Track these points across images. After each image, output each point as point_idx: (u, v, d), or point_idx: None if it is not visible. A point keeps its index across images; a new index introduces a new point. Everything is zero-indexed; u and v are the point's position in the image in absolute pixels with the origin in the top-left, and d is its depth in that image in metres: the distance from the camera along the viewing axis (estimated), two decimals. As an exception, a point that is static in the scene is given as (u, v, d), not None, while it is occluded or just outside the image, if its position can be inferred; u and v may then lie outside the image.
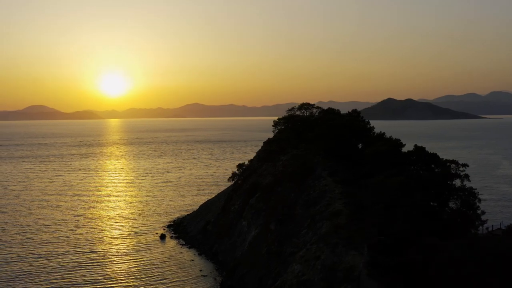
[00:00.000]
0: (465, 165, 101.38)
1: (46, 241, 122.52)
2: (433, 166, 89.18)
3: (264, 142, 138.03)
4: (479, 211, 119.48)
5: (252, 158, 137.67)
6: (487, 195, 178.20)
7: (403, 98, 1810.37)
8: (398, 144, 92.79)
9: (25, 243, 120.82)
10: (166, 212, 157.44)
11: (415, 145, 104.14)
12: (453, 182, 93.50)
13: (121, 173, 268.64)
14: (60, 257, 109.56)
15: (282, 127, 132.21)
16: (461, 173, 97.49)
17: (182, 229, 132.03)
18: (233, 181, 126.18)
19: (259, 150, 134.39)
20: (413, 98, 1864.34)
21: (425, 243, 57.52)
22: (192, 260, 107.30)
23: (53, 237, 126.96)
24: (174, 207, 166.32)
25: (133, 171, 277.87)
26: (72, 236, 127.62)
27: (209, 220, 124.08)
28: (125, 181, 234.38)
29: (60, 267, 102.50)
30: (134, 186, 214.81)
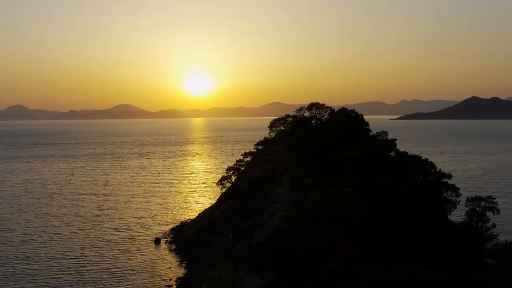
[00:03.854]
0: (448, 176, 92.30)
1: (42, 244, 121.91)
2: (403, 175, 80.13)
3: (255, 144, 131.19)
4: (488, 224, 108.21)
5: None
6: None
7: (488, 97, 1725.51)
8: (373, 149, 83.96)
9: (20, 245, 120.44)
10: (180, 215, 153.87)
11: (397, 150, 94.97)
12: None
13: (166, 172, 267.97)
14: (44, 260, 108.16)
15: (283, 128, 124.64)
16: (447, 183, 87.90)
17: (181, 233, 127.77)
18: (221, 185, 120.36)
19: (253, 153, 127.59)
20: (500, 97, 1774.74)
21: (328, 268, 49.63)
22: (170, 268, 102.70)
23: (52, 239, 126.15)
24: (191, 209, 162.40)
25: (179, 171, 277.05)
26: (70, 239, 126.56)
27: (201, 225, 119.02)
28: (163, 181, 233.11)
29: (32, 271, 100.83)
30: (168, 187, 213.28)
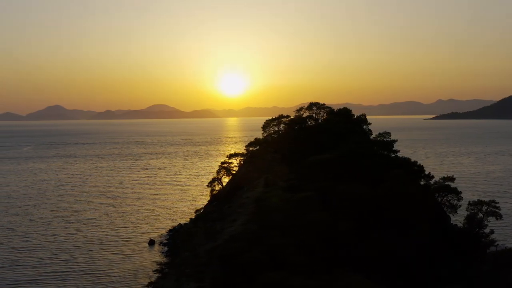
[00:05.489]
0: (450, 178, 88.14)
1: (38, 244, 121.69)
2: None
3: (246, 146, 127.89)
4: (486, 230, 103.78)
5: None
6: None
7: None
8: (354, 151, 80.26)
9: (16, 247, 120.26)
10: (182, 216, 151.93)
11: (393, 152, 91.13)
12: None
13: (182, 173, 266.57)
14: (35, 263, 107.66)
15: (276, 128, 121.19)
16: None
17: (176, 235, 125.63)
18: (210, 187, 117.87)
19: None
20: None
21: (263, 279, 46.66)
22: (155, 271, 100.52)
23: (48, 240, 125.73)
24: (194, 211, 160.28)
25: (196, 171, 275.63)
26: (66, 240, 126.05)
27: (192, 227, 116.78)
28: (177, 182, 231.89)
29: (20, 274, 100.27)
30: (180, 188, 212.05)
